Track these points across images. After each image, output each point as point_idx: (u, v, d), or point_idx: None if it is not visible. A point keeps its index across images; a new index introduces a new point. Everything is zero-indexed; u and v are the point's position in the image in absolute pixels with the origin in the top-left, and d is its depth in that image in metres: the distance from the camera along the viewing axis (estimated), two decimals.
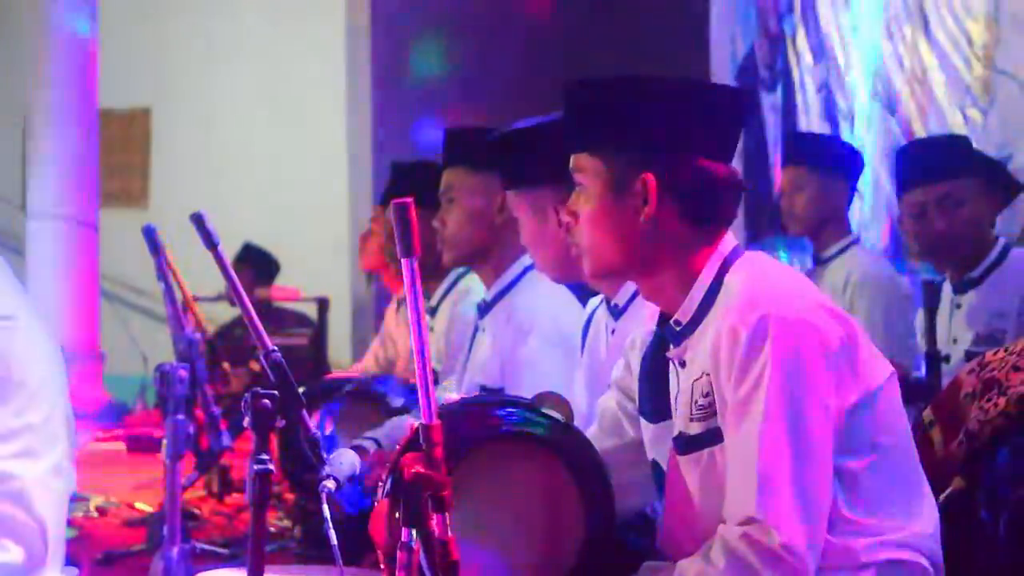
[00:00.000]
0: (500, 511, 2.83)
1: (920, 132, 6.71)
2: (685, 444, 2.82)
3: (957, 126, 6.26)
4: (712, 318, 2.78)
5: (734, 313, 2.70)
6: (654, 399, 2.90)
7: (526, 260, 4.28)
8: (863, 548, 2.70)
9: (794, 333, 2.65)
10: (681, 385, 2.83)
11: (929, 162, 4.95)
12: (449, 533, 2.35)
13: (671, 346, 2.86)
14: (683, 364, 2.83)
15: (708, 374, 2.75)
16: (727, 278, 2.79)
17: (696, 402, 2.77)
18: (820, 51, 7.81)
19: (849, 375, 2.70)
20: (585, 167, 2.84)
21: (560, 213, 2.95)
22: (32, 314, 3.21)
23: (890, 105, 7.03)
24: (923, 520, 2.78)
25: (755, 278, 2.78)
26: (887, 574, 2.71)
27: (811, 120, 7.80)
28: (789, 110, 8.05)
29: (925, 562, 2.75)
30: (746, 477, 2.64)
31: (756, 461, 2.62)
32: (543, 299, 4.19)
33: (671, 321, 2.85)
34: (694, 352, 2.80)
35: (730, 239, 2.85)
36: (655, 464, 2.95)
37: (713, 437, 2.75)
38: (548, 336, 4.10)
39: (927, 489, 2.83)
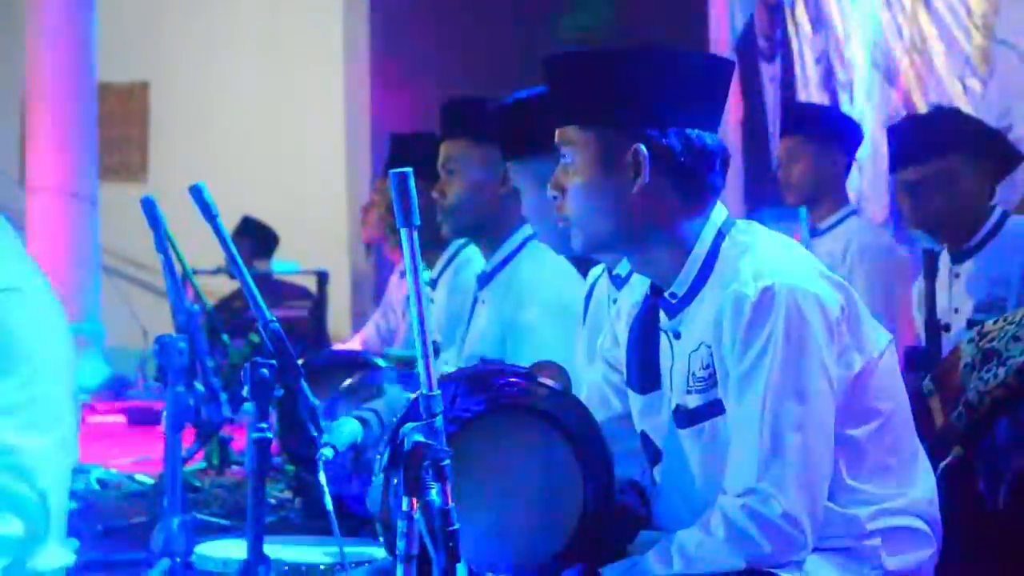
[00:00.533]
0: (500, 481, 2.84)
1: (919, 103, 6.70)
2: (685, 417, 2.81)
3: (956, 96, 6.25)
4: (709, 289, 2.77)
5: (738, 283, 2.70)
6: (643, 370, 2.90)
7: (526, 231, 4.27)
8: (867, 517, 2.71)
9: (798, 303, 2.66)
10: (676, 357, 2.83)
11: (920, 140, 4.93)
12: (449, 502, 2.35)
13: (666, 318, 2.85)
14: (678, 336, 2.83)
15: (708, 345, 2.74)
16: (723, 248, 2.79)
17: (694, 374, 2.77)
18: (819, 21, 7.79)
19: (850, 343, 2.71)
20: (573, 139, 2.82)
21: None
22: (40, 287, 3.21)
23: (889, 75, 7.02)
24: (921, 486, 2.79)
25: (755, 248, 2.77)
26: (892, 540, 2.72)
27: (810, 91, 7.79)
28: (788, 81, 8.04)
29: (925, 527, 2.76)
30: (748, 447, 2.64)
31: (759, 432, 2.63)
32: (543, 269, 4.19)
33: (666, 293, 2.84)
34: (690, 323, 2.79)
35: (721, 209, 2.85)
36: (644, 435, 2.95)
37: (713, 409, 2.75)
38: (549, 306, 4.10)
39: (923, 455, 2.84)
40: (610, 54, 2.84)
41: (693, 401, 2.78)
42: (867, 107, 6.94)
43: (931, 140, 4.89)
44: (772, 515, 2.60)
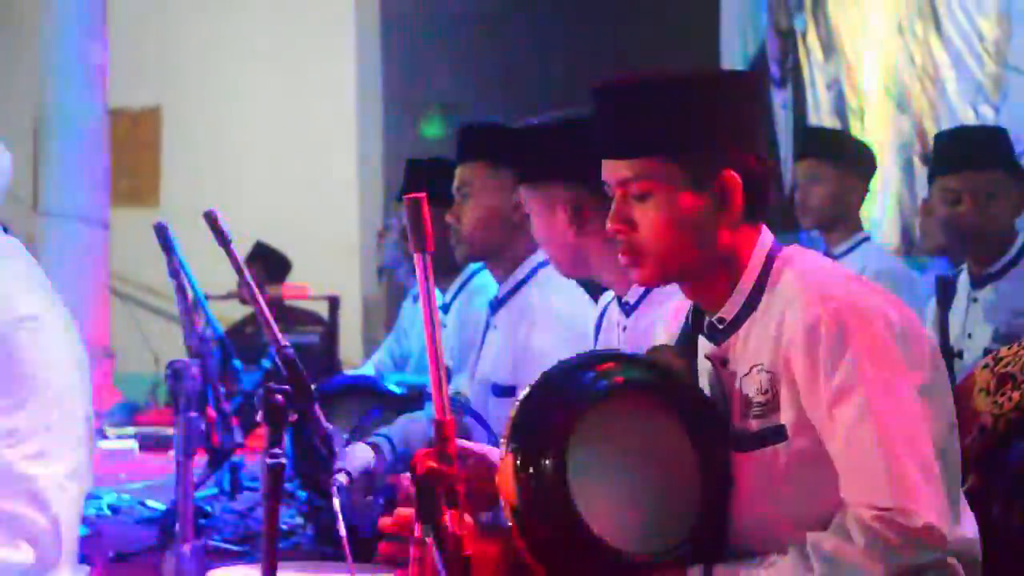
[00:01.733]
0: (625, 462, 2.72)
1: (931, 129, 6.70)
2: (745, 442, 2.74)
3: (968, 122, 6.23)
4: (761, 313, 2.74)
5: (803, 308, 2.66)
6: None
7: (539, 257, 4.27)
8: None
9: (869, 320, 2.63)
10: (725, 384, 2.78)
11: (968, 149, 4.94)
12: (460, 529, 2.34)
13: (708, 344, 2.82)
14: (724, 363, 2.79)
15: (767, 371, 2.71)
16: (776, 272, 2.75)
17: (752, 399, 2.72)
18: (830, 47, 7.80)
19: (915, 354, 2.69)
20: (652, 171, 2.73)
21: (609, 222, 2.85)
22: (58, 315, 3.22)
23: (901, 102, 7.02)
24: (967, 525, 2.74)
25: (811, 271, 2.74)
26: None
27: (821, 117, 7.79)
28: (799, 106, 8.03)
29: (960, 567, 2.70)
30: (872, 469, 2.59)
31: (877, 450, 2.58)
32: (555, 295, 4.18)
33: (713, 319, 2.80)
34: (741, 349, 2.76)
35: (767, 233, 2.81)
36: None
37: (775, 434, 2.69)
38: (560, 331, 4.09)
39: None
40: (681, 78, 2.79)
41: (753, 426, 2.72)
42: (878, 134, 6.92)
43: (979, 151, 4.90)
44: (916, 526, 2.54)
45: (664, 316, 3.03)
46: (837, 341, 2.62)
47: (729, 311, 2.77)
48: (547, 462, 2.60)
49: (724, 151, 2.72)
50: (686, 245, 2.74)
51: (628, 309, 3.44)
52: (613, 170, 2.78)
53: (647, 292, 3.37)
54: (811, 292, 2.68)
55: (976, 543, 2.75)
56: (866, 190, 5.81)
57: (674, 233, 2.73)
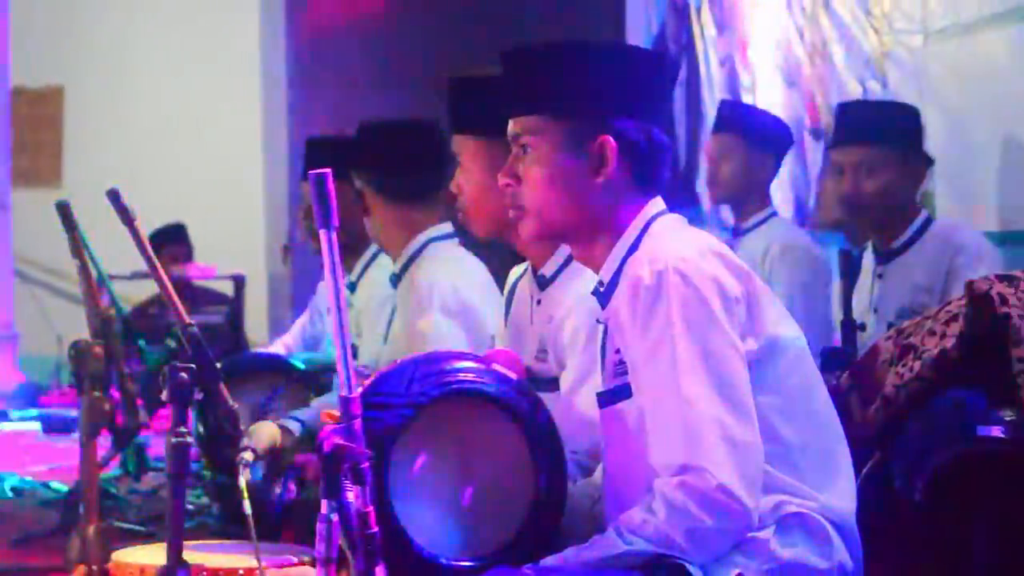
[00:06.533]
0: (454, 467, 2.84)
1: (821, 105, 6.73)
2: (603, 399, 2.85)
3: (856, 97, 6.28)
4: None
5: (635, 270, 2.74)
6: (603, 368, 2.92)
7: (430, 232, 4.28)
8: (767, 509, 2.69)
9: (692, 282, 2.68)
10: (606, 345, 2.86)
11: (854, 124, 4.99)
12: (368, 505, 2.34)
13: (600, 309, 2.88)
14: (607, 325, 2.85)
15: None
16: (644, 240, 2.82)
17: (615, 361, 2.80)
18: (723, 24, 7.82)
19: (748, 323, 2.71)
20: (537, 128, 2.86)
21: (499, 176, 2.94)
22: None
23: (791, 77, 7.05)
24: (839, 495, 2.77)
25: (660, 237, 2.81)
26: (784, 527, 2.69)
27: (714, 93, 7.81)
28: (693, 82, 8.07)
29: (828, 526, 2.73)
30: (670, 427, 2.64)
31: (677, 408, 2.63)
32: (443, 271, 4.18)
33: (598, 283, 2.87)
34: (614, 312, 2.81)
35: (658, 203, 2.88)
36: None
37: (625, 391, 2.76)
38: (449, 308, 4.11)
39: (848, 470, 2.82)
40: (576, 45, 2.90)
41: (611, 384, 2.81)
42: (770, 109, 6.93)
43: (863, 126, 4.94)
44: (708, 488, 2.59)
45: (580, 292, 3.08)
46: (654, 300, 2.68)
47: (606, 275, 2.86)
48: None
49: (604, 118, 2.83)
50: (560, 203, 2.86)
51: (543, 282, 3.45)
52: (510, 126, 2.92)
53: (564, 265, 3.39)
54: (647, 255, 2.75)
55: (850, 514, 2.78)
56: (777, 165, 5.85)
57: (548, 190, 2.86)
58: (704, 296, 2.67)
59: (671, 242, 2.78)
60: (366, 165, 4.40)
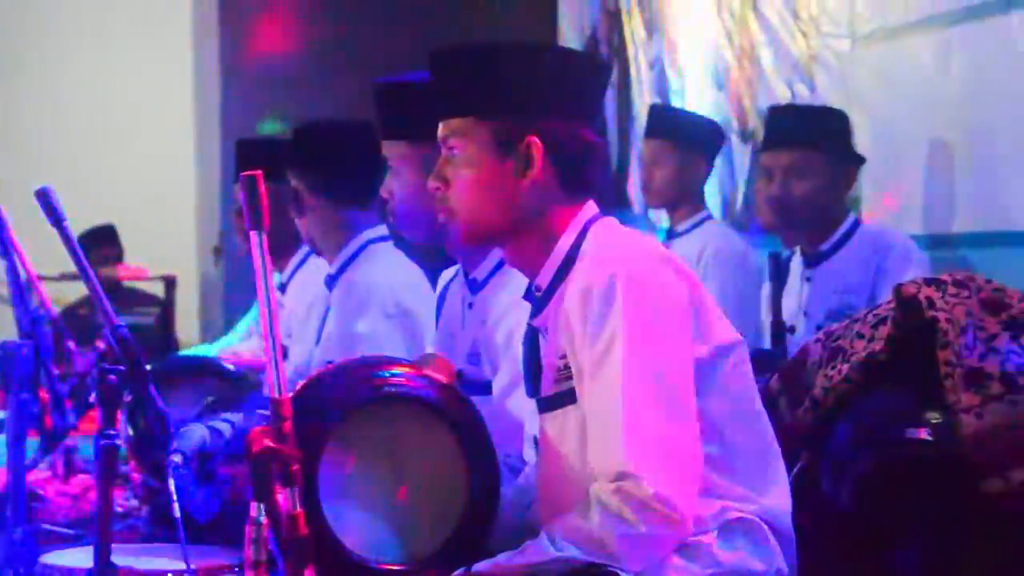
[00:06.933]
0: (386, 472, 2.84)
1: (749, 108, 6.76)
2: (543, 404, 2.84)
3: (784, 101, 6.32)
4: (571, 283, 2.79)
5: (583, 275, 2.73)
6: (531, 372, 2.91)
7: (368, 234, 4.28)
8: (711, 514, 2.71)
9: (641, 288, 2.68)
10: (543, 352, 2.85)
11: (781, 128, 5.03)
12: (297, 508, 2.34)
13: (536, 314, 2.88)
14: (546, 331, 2.84)
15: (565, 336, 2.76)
16: (584, 244, 2.82)
17: (556, 367, 2.79)
18: (653, 26, 7.84)
19: (697, 329, 2.73)
20: (464, 131, 2.85)
21: (429, 180, 2.93)
22: None
23: (719, 80, 7.08)
24: (775, 499, 2.79)
25: (604, 241, 2.81)
26: (727, 531, 2.72)
27: (644, 95, 7.84)
28: (623, 85, 8.08)
29: (767, 529, 2.76)
30: (611, 433, 2.64)
31: (619, 415, 2.63)
32: (382, 273, 4.18)
33: (533, 287, 2.86)
34: (554, 318, 2.81)
35: (592, 207, 2.88)
36: (536, 440, 2.97)
37: (569, 397, 2.76)
38: (386, 310, 4.11)
39: (784, 472, 2.85)
40: (503, 47, 2.89)
41: (556, 390, 2.80)
42: (698, 112, 6.95)
43: (789, 130, 4.98)
44: (644, 495, 2.59)
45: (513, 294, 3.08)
46: (603, 307, 2.68)
47: (543, 280, 2.85)
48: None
49: (532, 120, 2.82)
50: (487, 206, 2.85)
51: (475, 286, 3.45)
52: (439, 129, 2.90)
53: (496, 270, 3.39)
54: (595, 260, 2.75)
55: (786, 515, 2.80)
56: (710, 168, 5.88)
57: (475, 193, 2.85)
58: (656, 304, 2.68)
59: (619, 248, 2.78)
60: (304, 166, 4.39)
